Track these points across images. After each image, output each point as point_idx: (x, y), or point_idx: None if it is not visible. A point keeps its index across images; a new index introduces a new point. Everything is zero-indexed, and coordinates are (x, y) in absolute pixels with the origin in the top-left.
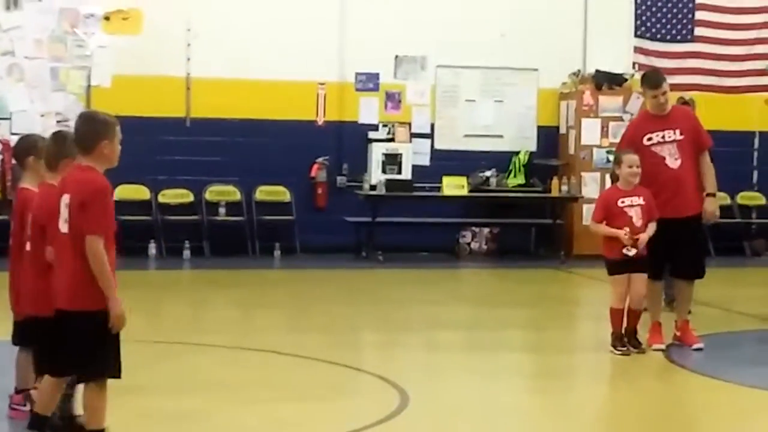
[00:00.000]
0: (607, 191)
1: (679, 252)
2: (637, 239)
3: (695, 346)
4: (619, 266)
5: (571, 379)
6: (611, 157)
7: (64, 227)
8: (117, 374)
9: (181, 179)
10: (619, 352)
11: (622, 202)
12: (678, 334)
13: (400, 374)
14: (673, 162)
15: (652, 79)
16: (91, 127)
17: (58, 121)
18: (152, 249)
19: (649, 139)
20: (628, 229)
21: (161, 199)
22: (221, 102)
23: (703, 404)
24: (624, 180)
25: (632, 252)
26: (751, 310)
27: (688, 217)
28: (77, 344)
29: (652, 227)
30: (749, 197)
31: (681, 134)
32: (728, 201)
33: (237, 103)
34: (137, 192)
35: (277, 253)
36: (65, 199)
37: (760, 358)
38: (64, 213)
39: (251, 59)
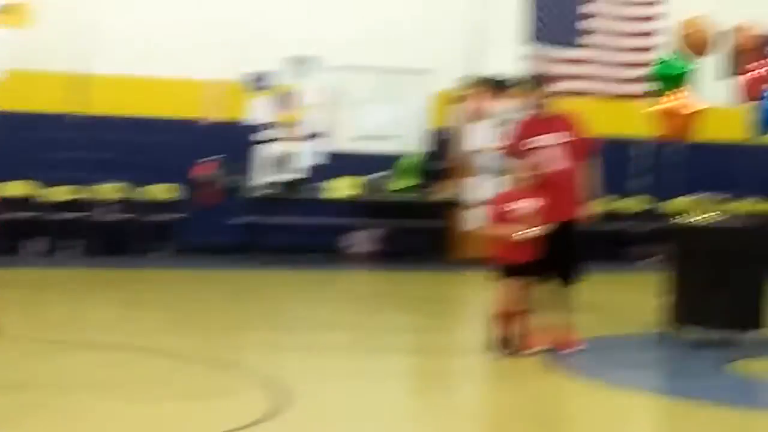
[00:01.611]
0: (499, 194)
1: (557, 256)
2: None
3: (574, 348)
4: (508, 270)
5: (453, 381)
6: (500, 161)
7: None
8: None
9: (69, 176)
10: (501, 354)
11: (516, 203)
12: (558, 337)
13: (282, 375)
14: (556, 165)
15: (536, 81)
16: None
17: None
18: (37, 246)
19: (534, 141)
20: (520, 229)
21: (48, 195)
22: (112, 99)
23: (580, 405)
24: (517, 183)
25: (529, 233)
26: (630, 314)
27: (567, 221)
28: None
29: (545, 227)
30: (631, 203)
31: (565, 138)
32: (611, 206)
33: (127, 101)
34: (24, 188)
35: (163, 252)
36: None
37: (636, 361)
38: None
39: (143, 57)
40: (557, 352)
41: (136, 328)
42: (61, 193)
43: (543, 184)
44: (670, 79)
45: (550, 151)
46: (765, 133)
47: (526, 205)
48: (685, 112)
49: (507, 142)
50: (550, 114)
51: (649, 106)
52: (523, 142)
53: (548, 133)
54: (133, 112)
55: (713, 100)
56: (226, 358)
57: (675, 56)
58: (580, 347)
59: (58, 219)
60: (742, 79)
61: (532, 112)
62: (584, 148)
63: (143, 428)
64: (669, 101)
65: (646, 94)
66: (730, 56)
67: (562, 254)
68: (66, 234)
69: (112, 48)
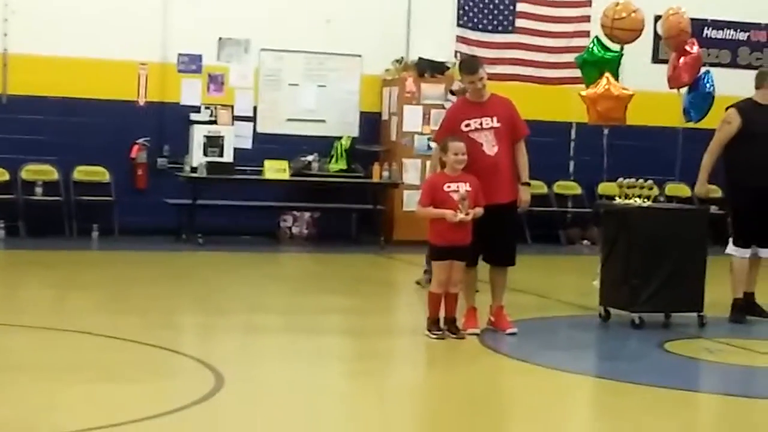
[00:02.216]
0: (433, 176)
1: (492, 239)
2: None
3: (509, 330)
4: (442, 252)
5: (388, 363)
6: (432, 144)
7: None
8: None
9: None
10: (435, 336)
11: (448, 187)
12: (492, 319)
13: (217, 356)
14: (490, 149)
15: (469, 65)
16: None
17: None
18: None
19: (467, 125)
20: (454, 212)
21: None
22: (40, 79)
23: (514, 387)
24: (450, 167)
25: (462, 216)
26: (565, 296)
27: (503, 204)
28: None
29: (479, 210)
30: (565, 186)
31: (498, 122)
32: (545, 190)
33: (56, 81)
34: None
35: (95, 234)
36: None
37: (570, 343)
38: None
39: (72, 36)
40: (492, 333)
41: (70, 309)
42: None
43: (476, 168)
44: (601, 63)
45: (483, 134)
46: (696, 119)
47: (459, 188)
48: (615, 96)
49: (440, 126)
50: (482, 98)
51: (581, 91)
52: (455, 125)
53: (481, 117)
54: (63, 94)
55: (644, 85)
56: (160, 340)
57: (605, 41)
58: (513, 330)
59: None
60: (671, 64)
61: (465, 95)
62: (516, 132)
63: (76, 409)
64: (600, 86)
65: (577, 79)
66: (660, 41)
67: (497, 237)
68: None
69: (39, 28)
